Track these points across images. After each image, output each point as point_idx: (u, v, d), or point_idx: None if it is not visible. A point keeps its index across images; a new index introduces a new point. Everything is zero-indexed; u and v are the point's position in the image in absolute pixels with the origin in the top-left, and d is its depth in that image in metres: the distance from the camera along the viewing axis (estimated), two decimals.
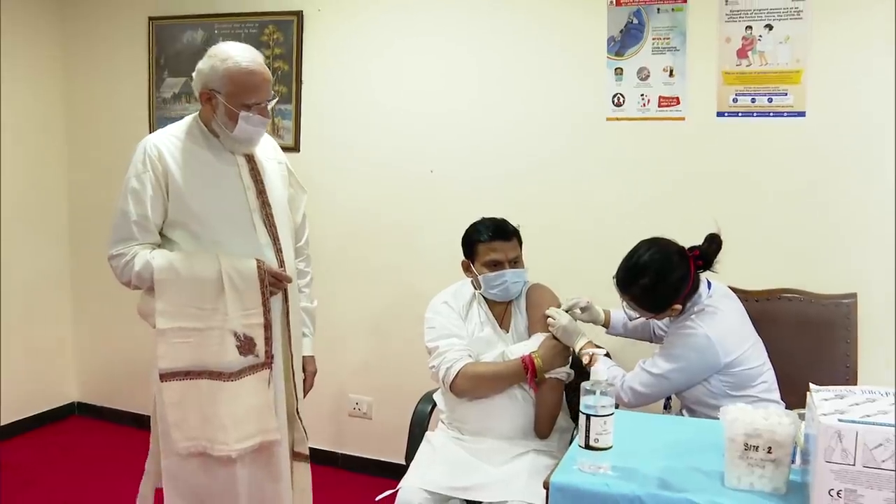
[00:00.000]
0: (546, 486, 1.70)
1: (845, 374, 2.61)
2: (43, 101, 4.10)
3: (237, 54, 2.16)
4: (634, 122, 3.04)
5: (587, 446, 1.72)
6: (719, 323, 2.29)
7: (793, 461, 1.63)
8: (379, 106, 3.48)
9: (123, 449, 3.89)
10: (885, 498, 1.45)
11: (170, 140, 2.22)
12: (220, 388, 2.15)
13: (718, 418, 1.70)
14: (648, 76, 3.01)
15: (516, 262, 2.57)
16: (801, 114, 2.82)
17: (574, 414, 2.60)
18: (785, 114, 2.84)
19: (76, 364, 4.35)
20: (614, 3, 3.03)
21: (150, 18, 3.89)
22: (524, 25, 3.19)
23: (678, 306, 2.32)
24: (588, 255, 3.11)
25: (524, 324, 2.60)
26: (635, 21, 3.01)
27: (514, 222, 2.61)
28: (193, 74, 2.21)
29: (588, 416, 1.71)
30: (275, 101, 2.25)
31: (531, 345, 2.50)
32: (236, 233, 2.23)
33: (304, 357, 2.47)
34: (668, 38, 2.97)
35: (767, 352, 2.41)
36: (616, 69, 3.05)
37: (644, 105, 3.02)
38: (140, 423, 4.06)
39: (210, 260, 2.17)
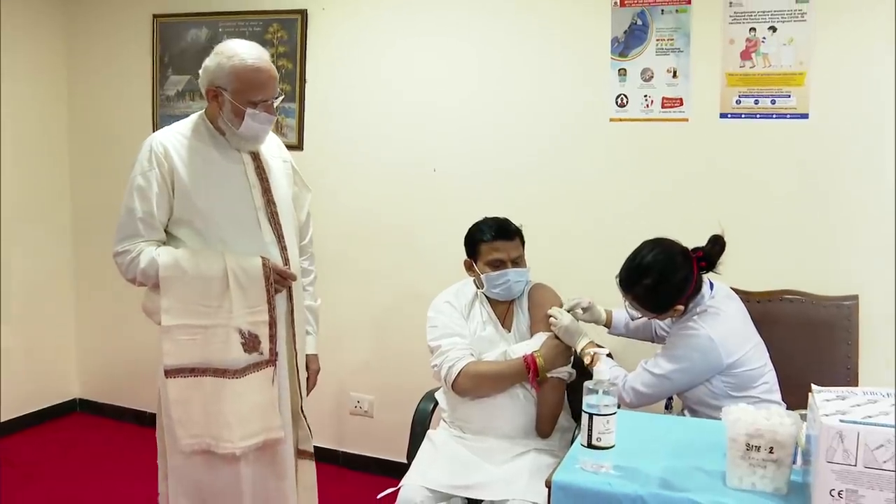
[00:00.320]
0: (548, 484, 1.71)
1: (846, 375, 2.62)
2: (46, 99, 4.11)
3: (244, 52, 2.17)
4: (638, 123, 3.05)
5: (590, 445, 1.72)
6: (722, 324, 2.29)
7: (794, 462, 1.64)
8: (382, 105, 3.48)
9: (125, 446, 3.91)
10: (885, 498, 1.45)
11: (176, 138, 2.22)
12: (224, 385, 2.16)
13: (720, 419, 1.71)
14: (652, 77, 3.01)
15: (518, 262, 2.58)
16: (805, 116, 2.82)
17: (575, 413, 2.61)
18: (788, 116, 2.85)
19: (78, 361, 4.36)
20: (618, 4, 3.03)
21: (155, 16, 3.89)
22: (528, 26, 3.20)
23: (681, 307, 2.32)
24: (590, 255, 3.12)
25: (526, 323, 2.60)
26: (639, 22, 3.02)
27: (516, 222, 2.62)
28: (200, 72, 2.22)
29: (591, 415, 1.72)
30: (281, 98, 2.26)
31: (533, 344, 2.50)
32: (241, 230, 2.24)
33: (307, 355, 2.48)
34: (671, 40, 2.98)
35: (769, 353, 2.41)
36: (620, 70, 3.06)
37: (647, 106, 3.03)
38: (141, 421, 4.09)
39: (215, 257, 2.18)
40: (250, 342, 2.18)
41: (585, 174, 3.16)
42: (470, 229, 2.64)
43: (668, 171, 3.03)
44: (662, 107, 3.01)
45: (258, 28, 3.65)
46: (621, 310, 2.55)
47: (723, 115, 2.93)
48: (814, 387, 1.65)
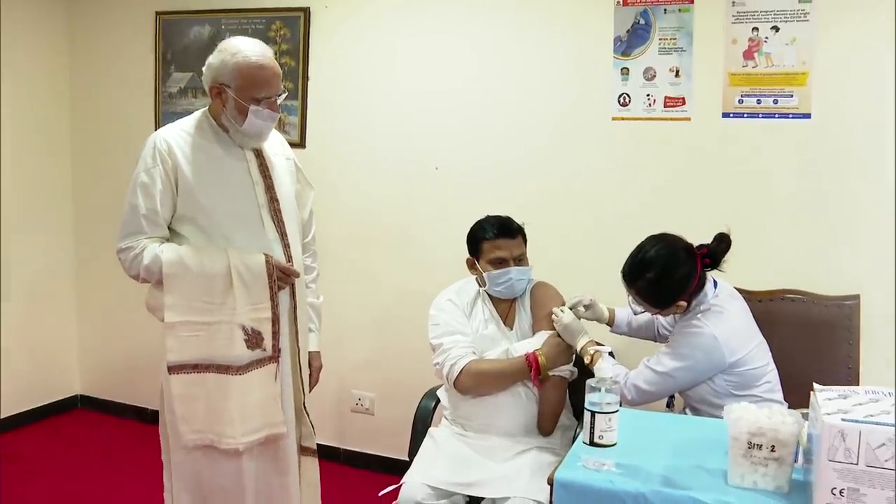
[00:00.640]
0: (551, 482, 1.71)
1: (847, 375, 2.62)
2: (48, 96, 4.11)
3: (247, 49, 2.17)
4: (640, 122, 3.05)
5: (592, 443, 1.73)
6: (725, 323, 2.30)
7: (795, 460, 1.64)
8: (384, 103, 3.49)
9: (126, 442, 3.91)
10: (887, 497, 1.46)
11: (179, 135, 2.23)
12: (227, 381, 2.16)
13: (721, 417, 1.71)
14: (654, 76, 3.02)
15: (521, 260, 2.58)
16: (807, 115, 2.83)
17: (577, 412, 2.62)
18: (790, 115, 2.85)
19: (80, 357, 4.36)
20: (621, 3, 3.04)
21: (158, 13, 3.90)
22: (531, 25, 3.20)
23: (683, 303, 2.33)
24: (592, 253, 3.12)
25: (528, 321, 2.61)
26: (642, 21, 3.02)
27: (518, 220, 2.62)
28: (203, 69, 2.22)
29: (593, 413, 1.72)
30: (284, 95, 2.26)
31: (535, 342, 2.51)
32: (244, 228, 2.24)
33: (310, 352, 2.48)
34: (674, 39, 2.98)
35: (770, 352, 2.42)
36: (622, 69, 3.06)
37: (650, 105, 3.03)
38: (142, 417, 4.10)
39: (219, 254, 2.18)
40: (253, 339, 2.18)
41: (587, 173, 3.16)
42: (472, 227, 2.64)
43: (670, 170, 3.03)
44: (665, 106, 3.01)
45: (261, 25, 3.65)
46: (624, 308, 2.55)
47: (725, 115, 2.93)
48: (815, 386, 1.65)
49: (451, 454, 2.45)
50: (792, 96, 2.84)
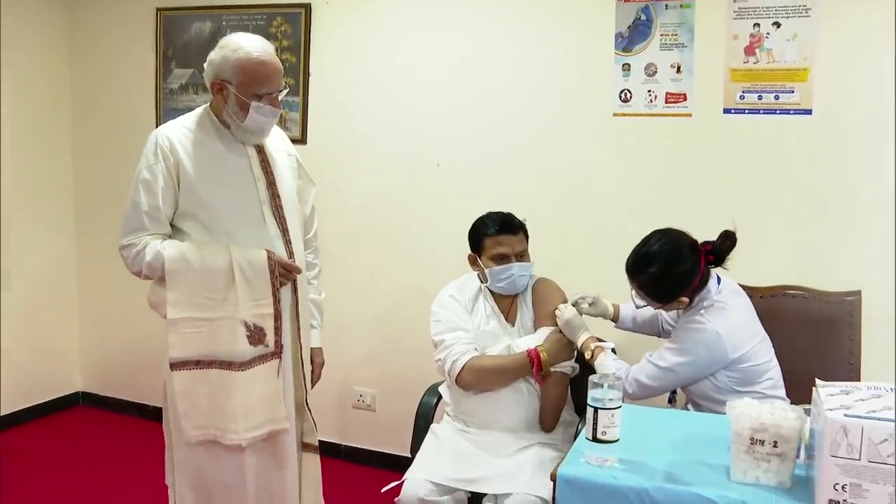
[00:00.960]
0: (554, 478, 1.72)
1: (848, 371, 2.62)
2: (49, 93, 4.11)
3: (248, 45, 2.17)
4: (641, 118, 3.05)
5: (594, 439, 1.73)
6: (728, 319, 2.30)
7: (797, 456, 1.65)
8: (386, 99, 3.48)
9: (128, 439, 3.92)
10: (888, 492, 1.46)
11: (181, 131, 2.23)
12: (230, 377, 2.17)
13: (724, 413, 1.72)
14: (656, 72, 3.01)
15: (523, 256, 2.58)
16: (808, 111, 2.82)
17: (578, 407, 2.62)
18: (791, 111, 2.85)
19: (81, 354, 4.36)
20: None
21: (158, 9, 3.89)
22: (532, 21, 3.20)
23: (685, 299, 2.33)
24: (593, 249, 3.12)
25: (530, 317, 2.61)
26: (643, 17, 3.02)
27: (520, 216, 2.62)
28: (205, 65, 2.22)
29: (596, 409, 1.73)
30: (286, 91, 2.26)
31: (537, 338, 2.51)
32: (246, 224, 2.24)
33: (312, 349, 2.48)
34: (675, 35, 2.98)
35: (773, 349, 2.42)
36: (623, 65, 3.06)
37: (651, 101, 3.03)
38: (144, 414, 4.10)
39: (221, 250, 2.19)
40: (256, 335, 2.18)
41: (589, 169, 3.16)
42: (474, 224, 2.65)
43: (672, 166, 3.03)
44: (666, 102, 3.01)
45: (262, 22, 3.65)
46: (629, 304, 2.55)
47: (726, 111, 2.93)
48: (818, 381, 1.66)
49: (454, 450, 2.45)
50: (793, 92, 2.84)
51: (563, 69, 3.17)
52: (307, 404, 2.42)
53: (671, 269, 2.30)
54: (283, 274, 2.25)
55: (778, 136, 2.87)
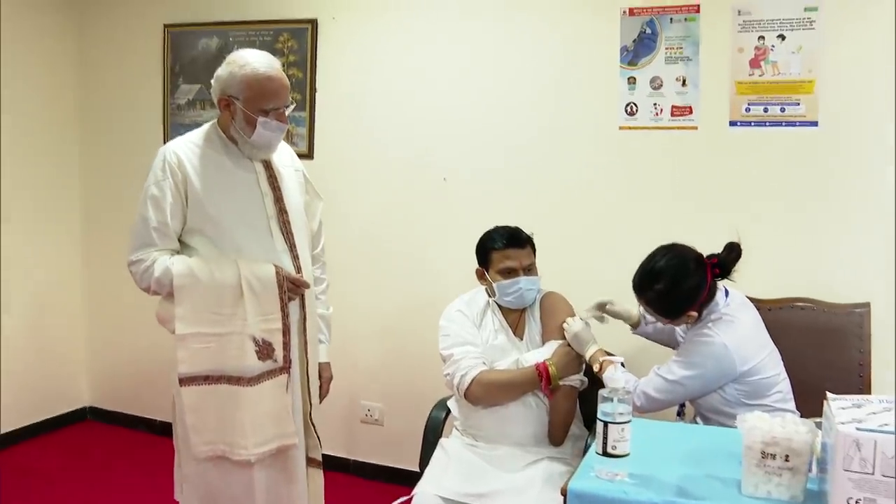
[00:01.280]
0: (564, 492, 1.71)
1: (858, 383, 2.61)
2: (58, 107, 4.14)
3: (255, 60, 2.19)
4: (647, 131, 3.06)
5: (604, 453, 1.73)
6: (736, 331, 2.29)
7: (809, 470, 1.64)
8: (392, 113, 3.50)
9: (135, 454, 3.91)
10: None
11: (189, 147, 2.24)
12: (238, 392, 2.17)
13: (733, 426, 1.71)
14: (661, 85, 3.02)
15: (530, 270, 2.58)
16: (814, 123, 2.83)
17: (587, 421, 2.61)
18: (797, 123, 2.85)
19: (89, 369, 4.37)
20: (627, 12, 3.05)
21: (166, 26, 3.92)
22: (538, 35, 3.21)
23: (694, 313, 2.33)
24: (600, 262, 3.12)
25: (538, 331, 2.60)
26: (648, 31, 3.03)
27: (527, 230, 2.62)
28: (212, 81, 2.23)
29: (606, 424, 1.72)
30: (292, 106, 2.28)
31: (545, 352, 2.50)
32: (254, 239, 2.25)
33: (320, 363, 2.48)
34: (680, 48, 2.99)
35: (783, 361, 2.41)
36: (629, 78, 3.07)
37: (657, 114, 3.04)
38: (152, 429, 4.10)
39: (229, 265, 2.19)
40: (264, 350, 2.19)
41: (595, 182, 3.16)
42: (481, 238, 2.65)
43: (678, 179, 3.03)
44: (672, 115, 3.02)
45: (268, 37, 3.67)
46: None
47: (732, 123, 2.94)
48: (829, 395, 1.65)
49: (463, 464, 2.44)
50: (799, 104, 2.84)
51: (568, 83, 3.18)
52: (311, 420, 2.41)
53: (678, 284, 2.30)
54: (292, 289, 2.25)
55: (784, 149, 2.88)
